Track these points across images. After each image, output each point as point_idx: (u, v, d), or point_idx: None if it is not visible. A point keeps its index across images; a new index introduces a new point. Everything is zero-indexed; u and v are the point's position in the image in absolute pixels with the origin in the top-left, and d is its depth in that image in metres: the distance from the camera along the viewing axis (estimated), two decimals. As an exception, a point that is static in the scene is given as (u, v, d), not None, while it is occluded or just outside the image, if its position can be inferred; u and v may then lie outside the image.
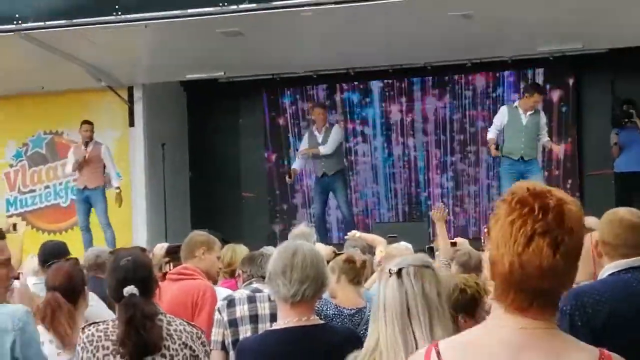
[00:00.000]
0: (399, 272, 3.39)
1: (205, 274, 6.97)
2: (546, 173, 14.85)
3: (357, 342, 4.29)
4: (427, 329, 3.34)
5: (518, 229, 2.25)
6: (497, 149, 13.16)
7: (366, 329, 5.93)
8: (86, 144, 14.24)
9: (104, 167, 14.40)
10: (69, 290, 5.07)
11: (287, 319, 4.14)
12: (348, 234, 9.74)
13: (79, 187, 14.38)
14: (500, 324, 2.32)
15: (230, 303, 5.90)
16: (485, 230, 9.52)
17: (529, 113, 13.08)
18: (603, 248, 4.58)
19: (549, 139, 13.47)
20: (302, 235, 7.80)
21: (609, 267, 4.47)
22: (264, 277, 6.08)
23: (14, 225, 9.65)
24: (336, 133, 14.70)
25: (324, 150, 14.46)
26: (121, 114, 15.26)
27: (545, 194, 2.30)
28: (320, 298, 5.04)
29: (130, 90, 15.60)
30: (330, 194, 14.77)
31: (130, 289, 4.27)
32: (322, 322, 4.41)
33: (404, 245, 8.74)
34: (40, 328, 5.03)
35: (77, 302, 5.13)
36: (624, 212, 4.61)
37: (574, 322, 4.21)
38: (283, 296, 4.14)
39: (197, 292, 6.70)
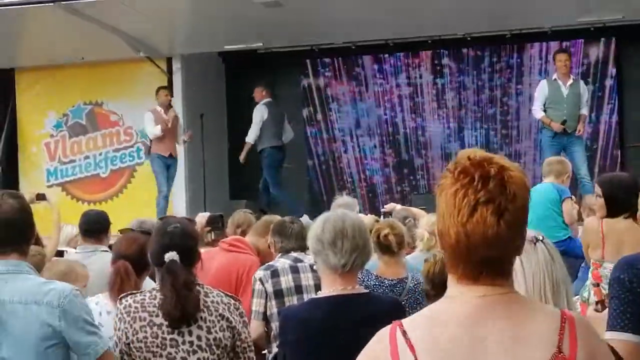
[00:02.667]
0: (542, 239, 3.42)
1: (257, 251, 7.00)
2: (587, 143, 14.72)
3: (401, 311, 4.33)
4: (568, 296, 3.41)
5: (461, 199, 2.24)
6: (562, 123, 12.88)
7: (407, 299, 5.96)
8: (166, 109, 14.38)
9: None
10: (139, 261, 5.08)
11: (332, 288, 4.14)
12: (386, 206, 9.72)
13: (163, 155, 14.38)
14: (456, 296, 2.31)
15: (274, 273, 5.90)
16: None
17: (568, 83, 12.90)
18: None
19: (585, 115, 13.12)
20: (346, 205, 7.81)
21: None
22: (302, 248, 6.15)
23: (38, 195, 9.38)
24: (254, 116, 14.74)
25: (248, 139, 14.63)
26: (160, 85, 15.29)
27: (486, 162, 2.27)
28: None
29: (169, 61, 15.65)
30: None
31: (171, 255, 4.29)
32: (366, 291, 4.42)
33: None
34: (102, 297, 5.10)
35: (141, 276, 5.15)
36: None
37: (634, 289, 4.17)
38: (333, 266, 4.14)
39: (243, 267, 6.69)
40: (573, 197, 9.96)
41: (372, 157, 16.75)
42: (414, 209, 9.30)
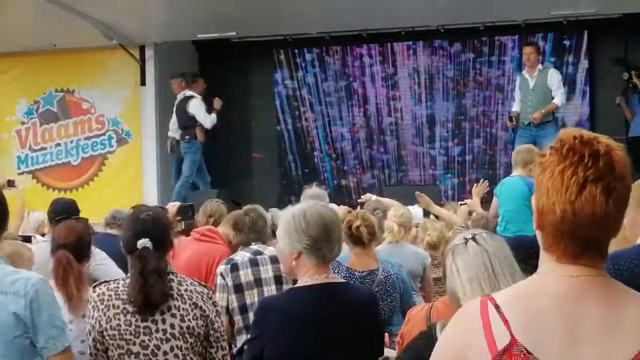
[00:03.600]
0: (473, 238, 3.43)
1: (229, 242, 7.01)
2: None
3: (376, 301, 4.39)
4: None
5: (570, 177, 2.24)
6: (512, 120, 13.06)
7: (378, 291, 5.97)
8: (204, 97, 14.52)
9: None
10: (78, 249, 5.06)
11: (312, 277, 4.11)
12: (362, 197, 9.74)
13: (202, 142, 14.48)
14: (553, 274, 2.31)
15: (234, 267, 5.89)
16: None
17: (534, 74, 12.99)
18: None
19: (556, 104, 13.12)
20: (316, 196, 7.81)
21: None
22: (259, 239, 6.16)
23: (9, 182, 9.46)
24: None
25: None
26: (133, 73, 15.23)
27: (594, 141, 2.28)
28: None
29: (142, 49, 15.57)
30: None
31: (144, 242, 4.29)
32: (343, 280, 4.43)
33: (415, 209, 8.78)
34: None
35: (81, 265, 5.12)
36: None
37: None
38: (325, 258, 4.12)
39: (214, 257, 6.71)
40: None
41: (345, 147, 16.73)
42: (388, 200, 9.30)
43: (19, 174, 15.61)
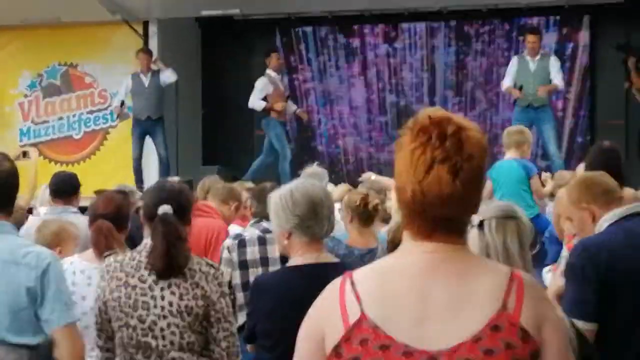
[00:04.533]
0: (480, 225, 3.32)
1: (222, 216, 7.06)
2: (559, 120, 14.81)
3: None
4: None
5: (418, 157, 2.27)
6: (519, 88, 12.98)
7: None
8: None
9: None
10: (117, 220, 5.11)
11: (305, 256, 4.17)
12: (363, 175, 9.76)
13: (281, 119, 14.50)
14: (409, 250, 2.34)
15: (241, 243, 5.89)
16: None
17: (536, 58, 12.99)
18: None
19: (556, 84, 13.07)
20: (315, 175, 7.86)
21: (605, 219, 4.52)
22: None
23: (24, 153, 9.58)
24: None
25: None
26: (136, 49, 15.23)
27: (445, 121, 2.30)
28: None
29: (145, 24, 15.59)
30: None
31: (166, 208, 4.32)
32: (337, 260, 4.47)
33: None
34: (77, 257, 5.18)
35: (121, 233, 5.18)
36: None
37: (585, 273, 4.28)
38: (314, 235, 4.18)
39: (212, 231, 6.72)
40: (540, 172, 10.01)
41: (346, 127, 16.77)
42: (385, 179, 9.35)
43: (22, 146, 15.63)
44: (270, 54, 14.59)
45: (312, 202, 4.17)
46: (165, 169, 14.07)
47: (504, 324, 2.23)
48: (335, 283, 2.40)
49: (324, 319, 2.37)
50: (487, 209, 3.34)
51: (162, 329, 4.26)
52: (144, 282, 4.30)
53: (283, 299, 4.11)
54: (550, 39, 15.51)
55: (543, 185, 9.69)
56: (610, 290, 4.23)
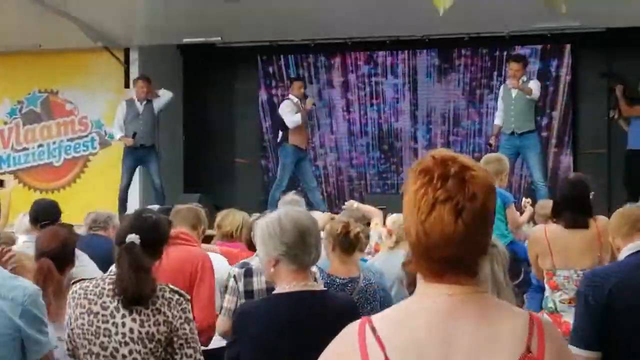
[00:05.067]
0: None
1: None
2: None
3: (357, 309, 4.37)
4: None
5: (420, 198, 2.24)
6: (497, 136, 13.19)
7: (359, 299, 5.97)
8: (303, 99, 14.35)
9: None
10: (61, 257, 5.03)
11: (291, 284, 4.14)
12: (346, 203, 9.74)
13: (300, 147, 14.33)
14: (425, 294, 2.30)
15: (247, 272, 5.79)
16: None
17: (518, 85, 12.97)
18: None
19: (530, 88, 12.81)
20: (293, 202, 7.82)
21: (625, 250, 4.58)
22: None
23: (0, 182, 9.53)
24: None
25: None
26: (117, 76, 15.21)
27: (448, 161, 2.27)
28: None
29: (126, 52, 15.56)
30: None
31: (133, 237, 4.29)
32: (323, 288, 4.43)
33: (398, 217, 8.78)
34: None
35: (64, 272, 5.09)
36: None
37: (588, 301, 4.28)
38: (303, 263, 4.15)
39: (196, 261, 6.63)
40: (515, 201, 9.96)
41: (328, 154, 16.76)
42: (367, 207, 9.32)
43: (0, 174, 15.56)
44: (293, 83, 14.63)
45: (300, 230, 4.15)
46: (160, 197, 13.93)
47: None
48: (353, 327, 2.35)
49: None
50: None
51: (124, 356, 4.24)
52: (105, 309, 4.27)
53: (270, 325, 4.08)
54: (533, 68, 15.52)
55: (521, 213, 9.70)
56: (612, 317, 4.24)
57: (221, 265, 6.92)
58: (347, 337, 2.34)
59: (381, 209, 9.66)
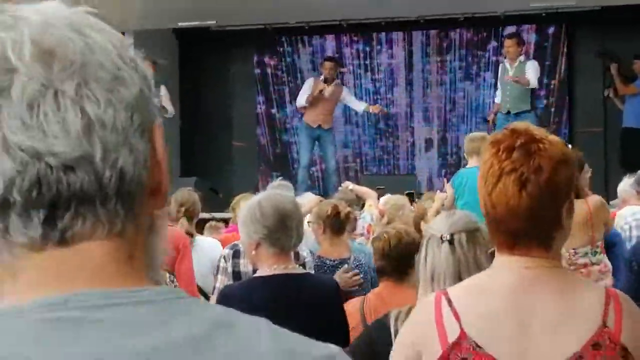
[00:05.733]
0: (451, 239, 3.17)
1: None
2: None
3: (338, 293, 4.38)
4: None
5: (488, 169, 2.26)
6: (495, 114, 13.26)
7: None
8: (326, 81, 14.24)
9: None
10: None
11: (272, 267, 4.14)
12: (342, 184, 9.77)
13: (311, 125, 14.30)
14: (503, 266, 2.31)
15: (235, 254, 5.82)
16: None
17: (515, 64, 12.98)
18: None
19: (527, 79, 12.88)
20: (281, 187, 7.85)
21: None
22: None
23: None
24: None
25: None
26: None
27: (520, 133, 2.27)
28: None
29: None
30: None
31: None
32: (305, 270, 4.44)
33: (395, 197, 8.80)
34: None
35: None
36: None
37: (632, 267, 4.38)
38: (284, 247, 4.15)
39: (178, 240, 6.72)
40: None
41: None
42: (363, 188, 9.33)
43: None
44: (324, 62, 14.64)
45: (281, 214, 4.14)
46: None
47: (604, 341, 2.21)
48: (429, 300, 2.35)
49: (420, 338, 2.33)
50: (454, 222, 3.21)
51: None
52: None
53: (250, 309, 3.99)
54: (528, 47, 15.49)
55: None
56: None
57: (213, 249, 7.02)
58: (425, 308, 2.36)
59: (379, 189, 9.68)
